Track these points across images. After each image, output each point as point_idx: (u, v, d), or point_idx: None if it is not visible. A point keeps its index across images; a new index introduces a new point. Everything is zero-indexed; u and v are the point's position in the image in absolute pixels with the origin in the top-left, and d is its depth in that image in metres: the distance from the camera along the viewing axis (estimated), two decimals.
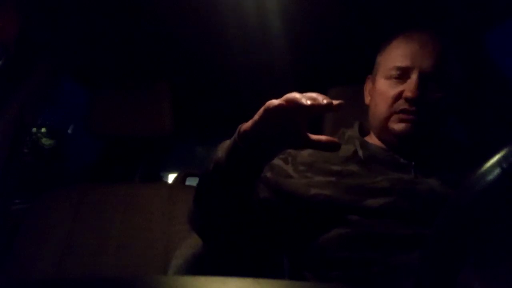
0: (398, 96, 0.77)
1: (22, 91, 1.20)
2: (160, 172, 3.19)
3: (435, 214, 0.40)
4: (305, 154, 0.84)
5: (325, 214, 0.75)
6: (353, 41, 1.33)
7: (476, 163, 0.37)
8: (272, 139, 0.60)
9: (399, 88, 0.77)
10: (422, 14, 1.16)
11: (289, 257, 0.88)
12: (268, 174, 0.82)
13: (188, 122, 2.31)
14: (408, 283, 0.63)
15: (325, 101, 0.52)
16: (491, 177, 0.35)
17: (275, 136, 0.60)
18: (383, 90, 0.80)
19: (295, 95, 0.54)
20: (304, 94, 0.54)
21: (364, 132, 0.91)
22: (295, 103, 0.54)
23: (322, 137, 0.58)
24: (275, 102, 0.55)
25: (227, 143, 0.66)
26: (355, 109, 0.99)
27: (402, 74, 0.77)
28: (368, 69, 0.91)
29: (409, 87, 0.75)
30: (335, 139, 0.58)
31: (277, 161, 0.84)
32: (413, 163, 0.77)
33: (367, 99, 0.89)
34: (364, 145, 0.81)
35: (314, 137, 0.59)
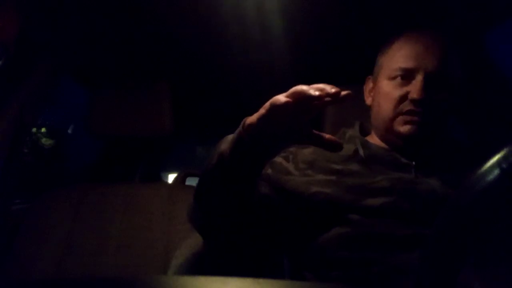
0: (403, 98, 0.77)
1: (22, 91, 1.20)
2: (160, 172, 3.19)
3: (435, 214, 0.40)
4: (306, 152, 0.84)
5: (325, 213, 0.75)
6: (353, 41, 1.33)
7: (476, 163, 0.37)
8: (277, 134, 0.61)
9: (404, 89, 0.77)
10: (422, 14, 1.16)
11: (289, 257, 0.88)
12: (269, 171, 0.82)
13: (188, 122, 2.31)
14: (408, 283, 0.63)
15: (333, 90, 0.52)
16: (491, 177, 0.35)
17: (280, 131, 0.60)
18: (387, 91, 0.79)
19: (302, 87, 0.55)
20: (311, 85, 0.55)
21: (365, 132, 0.91)
22: (303, 95, 0.54)
23: (325, 135, 0.59)
24: (281, 99, 0.54)
25: (230, 136, 0.66)
26: (355, 109, 0.99)
27: (407, 75, 0.77)
28: (368, 69, 0.90)
29: (414, 88, 0.74)
30: (338, 140, 0.58)
31: (278, 159, 0.84)
32: (413, 163, 0.77)
33: (368, 100, 0.89)
34: (365, 145, 0.81)
35: (317, 134, 0.59)
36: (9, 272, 1.07)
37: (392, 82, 0.79)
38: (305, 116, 0.58)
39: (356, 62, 1.20)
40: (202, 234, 0.82)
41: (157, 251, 1.13)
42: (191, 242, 0.93)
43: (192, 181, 2.43)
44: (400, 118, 0.77)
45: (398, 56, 0.79)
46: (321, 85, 0.54)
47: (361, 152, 0.80)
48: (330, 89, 0.53)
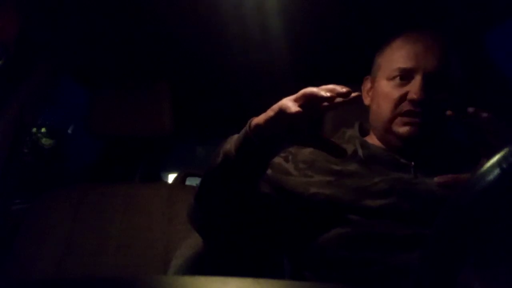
0: (403, 98, 0.76)
1: (22, 91, 1.20)
2: (160, 172, 3.19)
3: (435, 214, 0.40)
4: (306, 152, 0.84)
5: (324, 213, 0.75)
6: (353, 41, 1.33)
7: (476, 163, 0.37)
8: (284, 135, 0.61)
9: (403, 90, 0.76)
10: (422, 14, 1.16)
11: (289, 257, 0.88)
12: (269, 172, 0.82)
13: (188, 122, 2.31)
14: (408, 283, 0.63)
15: (344, 89, 0.53)
16: (491, 177, 0.35)
17: (286, 133, 0.61)
18: (386, 92, 0.79)
19: (312, 89, 0.55)
20: (320, 87, 0.55)
21: (364, 132, 0.91)
22: (313, 97, 0.54)
23: (331, 140, 0.59)
24: (292, 108, 0.55)
25: (235, 136, 0.66)
26: (355, 109, 0.99)
27: (406, 76, 0.77)
28: (368, 69, 0.90)
29: (413, 88, 0.74)
30: (338, 141, 0.59)
31: (277, 159, 0.84)
32: (412, 163, 0.77)
33: (366, 100, 0.89)
34: (364, 145, 0.81)
35: (322, 137, 0.59)
36: (9, 272, 1.07)
37: (391, 82, 0.79)
38: (313, 117, 0.58)
39: (356, 62, 1.20)
40: (202, 234, 0.82)
41: (157, 251, 1.13)
42: (191, 242, 0.93)
43: (192, 181, 2.43)
44: (399, 119, 0.77)
45: (397, 56, 0.79)
46: (330, 86, 0.54)
47: (360, 152, 0.80)
48: (340, 89, 0.53)
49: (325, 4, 1.11)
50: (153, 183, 1.44)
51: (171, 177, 4.27)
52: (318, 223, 0.75)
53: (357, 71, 0.94)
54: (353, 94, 0.54)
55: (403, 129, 0.76)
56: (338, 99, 0.54)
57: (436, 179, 0.55)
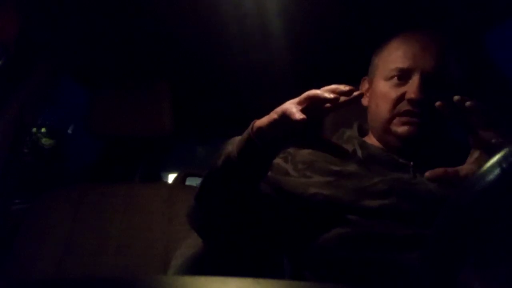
0: (400, 98, 0.76)
1: (22, 91, 1.20)
2: (160, 172, 3.19)
3: (434, 214, 0.40)
4: (305, 152, 0.84)
5: (324, 213, 0.75)
6: (353, 41, 1.33)
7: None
8: (286, 138, 0.62)
9: (400, 90, 0.76)
10: (422, 14, 1.16)
11: (289, 257, 0.88)
12: (268, 172, 0.82)
13: (188, 122, 2.31)
14: (408, 283, 0.63)
15: (347, 88, 0.53)
16: (491, 177, 0.35)
17: (289, 135, 0.61)
18: (384, 92, 0.79)
19: (316, 92, 0.55)
20: (323, 88, 0.55)
21: (363, 132, 0.91)
22: (317, 100, 0.54)
23: (332, 142, 0.60)
24: (297, 115, 0.55)
25: (237, 138, 0.67)
26: (354, 109, 0.99)
27: (403, 76, 0.77)
28: (368, 69, 0.90)
29: (411, 88, 0.74)
30: (338, 143, 0.59)
31: (276, 160, 0.84)
32: (411, 163, 0.77)
33: (364, 101, 0.89)
34: (363, 145, 0.81)
35: (324, 138, 0.60)
36: (9, 272, 1.07)
37: (388, 82, 0.79)
38: (315, 119, 0.58)
39: (356, 62, 1.20)
40: (202, 234, 0.82)
41: (157, 251, 1.12)
42: (191, 242, 0.93)
43: (192, 181, 2.43)
44: (397, 120, 0.77)
45: (395, 56, 0.79)
46: (333, 86, 0.55)
47: (359, 153, 0.80)
48: (343, 87, 0.54)
49: (325, 4, 1.11)
50: (153, 183, 1.44)
51: (171, 177, 4.27)
52: (318, 223, 0.75)
53: (357, 71, 0.94)
54: (355, 93, 0.54)
55: (401, 129, 0.76)
56: (342, 99, 0.55)
57: (426, 174, 0.55)
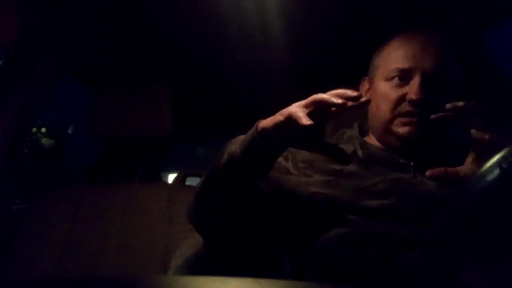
0: (401, 99, 0.76)
1: (22, 91, 1.20)
2: (160, 172, 3.19)
3: (434, 214, 0.40)
4: (305, 151, 0.84)
5: (324, 213, 0.75)
6: (353, 41, 1.33)
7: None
8: (291, 140, 0.62)
9: (401, 90, 0.76)
10: (422, 14, 1.16)
11: (289, 257, 0.88)
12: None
13: (188, 122, 2.31)
14: (408, 283, 0.63)
15: (354, 93, 0.53)
16: (491, 177, 0.35)
17: (294, 137, 0.61)
18: (384, 92, 0.79)
19: (323, 96, 0.55)
20: (330, 92, 0.55)
21: (363, 132, 0.91)
22: (324, 104, 0.54)
23: (335, 145, 0.60)
24: (303, 120, 0.54)
25: (241, 138, 0.67)
26: (355, 109, 0.99)
27: (404, 76, 0.77)
28: (368, 69, 0.90)
29: (412, 89, 0.74)
30: (346, 152, 0.59)
31: None
32: (412, 163, 0.77)
33: None
34: (364, 145, 0.81)
35: (328, 142, 0.60)
36: (9, 272, 1.07)
37: (389, 83, 0.79)
38: (320, 123, 0.58)
39: (356, 62, 1.20)
40: (202, 233, 0.82)
41: (157, 251, 1.12)
42: (191, 242, 0.93)
43: (192, 181, 2.43)
44: (398, 120, 0.77)
45: (395, 57, 0.79)
46: (340, 91, 0.55)
47: (359, 152, 0.80)
48: (351, 93, 0.54)
49: (325, 4, 1.11)
50: (153, 183, 1.44)
51: (171, 177, 4.27)
52: (318, 223, 0.75)
53: (357, 71, 0.94)
54: (363, 99, 0.54)
55: (403, 130, 0.76)
56: (348, 104, 0.55)
57: (427, 173, 0.55)
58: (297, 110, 0.57)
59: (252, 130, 0.64)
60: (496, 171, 0.34)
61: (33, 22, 1.14)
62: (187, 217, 0.81)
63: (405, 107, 0.76)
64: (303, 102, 0.59)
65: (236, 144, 0.66)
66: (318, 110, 0.57)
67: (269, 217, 0.80)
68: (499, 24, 1.11)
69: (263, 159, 0.65)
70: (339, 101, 0.53)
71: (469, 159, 0.58)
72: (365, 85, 0.90)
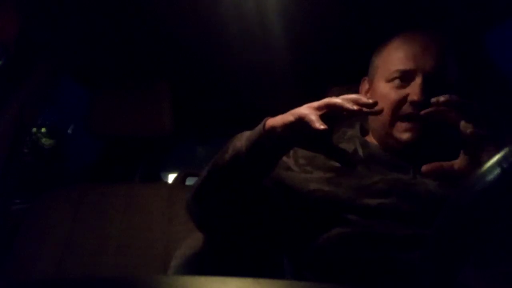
0: (402, 100, 0.76)
1: (22, 91, 1.20)
2: (160, 172, 3.19)
3: (434, 215, 0.40)
4: None
5: (323, 211, 0.75)
6: (353, 41, 1.33)
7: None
8: (299, 141, 0.62)
9: (402, 92, 0.76)
10: (422, 14, 1.16)
11: (289, 257, 0.88)
12: None
13: (188, 122, 2.31)
14: (408, 283, 0.63)
15: (370, 101, 0.53)
16: (491, 177, 0.35)
17: (302, 139, 0.61)
18: (385, 93, 0.78)
19: (336, 100, 0.55)
20: (344, 97, 0.55)
21: (364, 132, 0.91)
22: (338, 108, 0.54)
23: (341, 148, 0.60)
24: (316, 123, 0.54)
25: (246, 134, 0.66)
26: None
27: (405, 77, 0.76)
28: (368, 69, 0.90)
29: (414, 90, 0.73)
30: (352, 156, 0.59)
31: None
32: (412, 164, 0.77)
33: None
34: (365, 145, 0.81)
35: (335, 146, 0.60)
36: (9, 272, 1.07)
37: (389, 84, 0.78)
38: (330, 125, 0.58)
39: (356, 62, 1.20)
40: (202, 230, 0.82)
41: (157, 251, 1.12)
42: (191, 242, 0.93)
43: (192, 181, 2.43)
44: (400, 125, 0.76)
45: (395, 58, 0.79)
46: (354, 96, 0.54)
47: (360, 152, 0.80)
48: (366, 100, 0.54)
49: (325, 4, 1.11)
50: (153, 183, 1.44)
51: (171, 177, 4.27)
52: (318, 221, 0.75)
53: (357, 71, 0.94)
54: (377, 108, 0.54)
55: (404, 135, 0.76)
56: (365, 109, 0.54)
57: (422, 168, 0.55)
58: (310, 112, 0.56)
59: (260, 127, 0.63)
60: (496, 171, 0.34)
61: (33, 22, 1.14)
62: (188, 213, 0.81)
63: (407, 109, 0.75)
64: (315, 104, 0.58)
65: (242, 141, 0.66)
66: (329, 113, 0.57)
67: (269, 215, 0.80)
68: (499, 24, 1.11)
69: (268, 157, 0.64)
70: (355, 107, 0.53)
71: (462, 153, 0.58)
72: (365, 86, 0.89)
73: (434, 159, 0.77)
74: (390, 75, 0.78)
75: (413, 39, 0.78)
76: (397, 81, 0.77)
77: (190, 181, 2.43)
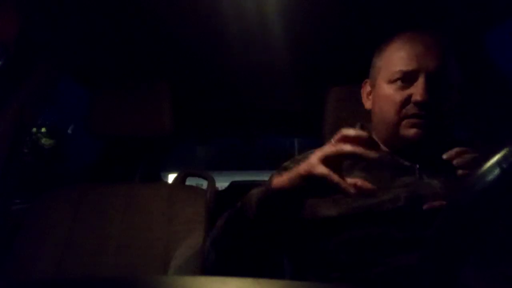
0: (406, 101, 0.75)
1: (22, 91, 1.20)
2: (160, 172, 3.19)
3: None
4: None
5: (330, 219, 0.74)
6: (353, 41, 1.33)
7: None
8: (310, 193, 0.62)
9: (405, 92, 0.76)
10: (422, 14, 1.16)
11: (289, 257, 0.88)
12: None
13: (188, 122, 2.31)
14: (408, 284, 0.63)
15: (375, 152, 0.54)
16: (491, 177, 0.35)
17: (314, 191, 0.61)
18: (388, 95, 0.78)
19: (354, 150, 0.54)
20: (356, 149, 0.55)
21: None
22: (358, 157, 0.55)
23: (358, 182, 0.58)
24: (325, 171, 0.54)
25: (255, 194, 0.67)
26: (355, 109, 0.99)
27: (408, 77, 0.76)
28: (368, 69, 0.90)
29: (417, 90, 0.73)
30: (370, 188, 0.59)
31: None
32: (417, 165, 0.76)
33: (367, 104, 0.88)
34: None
35: (350, 181, 0.58)
36: (9, 272, 1.07)
37: (392, 85, 0.78)
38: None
39: (356, 62, 1.20)
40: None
41: (157, 251, 1.12)
42: (191, 242, 0.93)
43: (192, 181, 2.42)
44: (405, 122, 0.76)
45: (397, 58, 0.78)
46: (354, 133, 0.55)
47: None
48: (365, 134, 0.55)
49: (325, 4, 1.11)
50: (153, 183, 1.44)
51: (171, 177, 4.27)
52: (319, 224, 0.75)
53: (357, 71, 0.94)
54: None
55: (410, 132, 0.75)
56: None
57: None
58: (322, 170, 0.55)
59: (267, 186, 0.65)
60: (496, 171, 0.34)
61: (33, 22, 1.14)
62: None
63: (411, 109, 0.75)
64: (321, 154, 0.56)
65: (251, 200, 0.67)
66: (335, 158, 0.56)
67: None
68: (499, 24, 1.11)
69: (277, 216, 0.66)
70: (376, 155, 0.53)
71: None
72: (367, 88, 0.89)
73: (438, 159, 0.77)
74: (393, 76, 0.78)
75: (414, 39, 0.78)
76: (399, 82, 0.77)
77: (190, 181, 2.42)
